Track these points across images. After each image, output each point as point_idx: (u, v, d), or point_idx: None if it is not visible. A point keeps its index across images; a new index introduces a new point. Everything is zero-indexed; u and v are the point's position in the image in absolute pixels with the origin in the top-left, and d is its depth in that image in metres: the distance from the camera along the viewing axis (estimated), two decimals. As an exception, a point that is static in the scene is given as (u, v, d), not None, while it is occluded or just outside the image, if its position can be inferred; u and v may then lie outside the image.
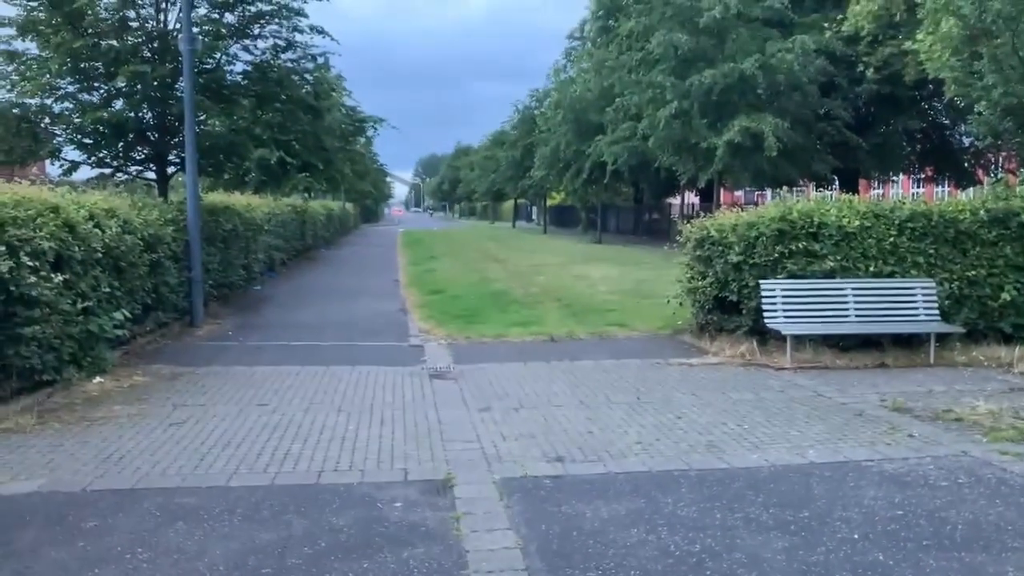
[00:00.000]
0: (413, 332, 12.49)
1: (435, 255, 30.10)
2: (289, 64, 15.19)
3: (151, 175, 15.15)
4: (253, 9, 14.30)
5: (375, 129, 23.61)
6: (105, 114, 12.82)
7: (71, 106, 13.53)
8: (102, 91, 13.75)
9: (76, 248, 8.51)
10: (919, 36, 14.27)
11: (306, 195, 28.64)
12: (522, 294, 17.06)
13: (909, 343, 10.40)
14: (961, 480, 5.80)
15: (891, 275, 10.44)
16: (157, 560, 4.49)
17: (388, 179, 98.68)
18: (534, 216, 79.36)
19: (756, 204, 21.46)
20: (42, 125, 13.45)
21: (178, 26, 13.19)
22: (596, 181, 38.45)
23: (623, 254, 30.37)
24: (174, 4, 13.57)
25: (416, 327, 12.94)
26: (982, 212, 10.74)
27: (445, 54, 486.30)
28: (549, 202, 60.74)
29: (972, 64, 12.91)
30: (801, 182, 28.94)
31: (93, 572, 4.35)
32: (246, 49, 14.85)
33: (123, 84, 13.04)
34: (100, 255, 9.10)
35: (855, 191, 22.36)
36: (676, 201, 48.42)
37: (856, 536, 4.82)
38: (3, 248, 7.22)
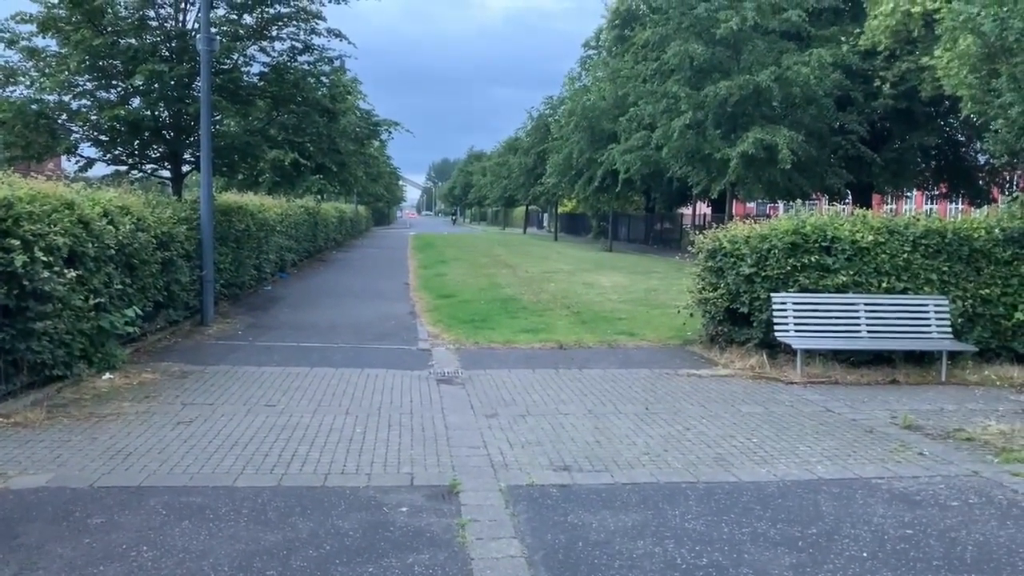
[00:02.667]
0: (422, 336, 12.49)
1: (445, 259, 30.11)
2: (306, 66, 15.26)
3: (166, 173, 15.25)
4: (271, 11, 14.40)
5: (389, 133, 23.59)
6: (122, 112, 12.91)
7: (88, 103, 13.64)
8: (119, 89, 13.86)
9: (90, 244, 8.58)
10: (937, 52, 14.23)
11: (319, 197, 28.71)
12: (532, 301, 17.03)
13: (921, 360, 10.35)
14: (972, 500, 5.75)
15: (904, 291, 10.39)
16: (162, 559, 4.49)
17: (401, 182, 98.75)
18: (545, 223, 79.38)
19: (768, 216, 21.34)
20: (59, 121, 13.55)
21: (196, 26, 13.28)
22: (608, 189, 38.36)
23: (634, 263, 30.31)
24: (193, 4, 13.70)
25: (425, 331, 12.94)
26: (997, 231, 10.70)
27: (462, 59, 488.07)
28: (560, 209, 60.73)
29: (990, 82, 12.84)
30: (814, 195, 28.85)
31: (98, 569, 4.35)
32: (263, 51, 14.97)
33: (140, 82, 13.12)
34: (113, 252, 9.18)
35: (868, 205, 22.23)
36: (688, 211, 48.36)
37: (865, 554, 4.78)
38: (18, 243, 7.27)
